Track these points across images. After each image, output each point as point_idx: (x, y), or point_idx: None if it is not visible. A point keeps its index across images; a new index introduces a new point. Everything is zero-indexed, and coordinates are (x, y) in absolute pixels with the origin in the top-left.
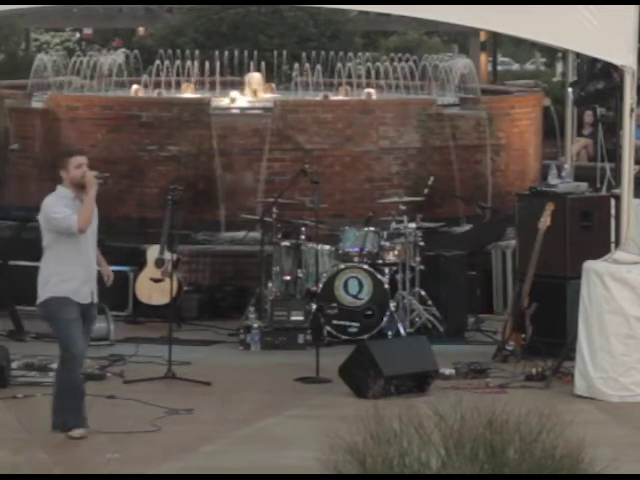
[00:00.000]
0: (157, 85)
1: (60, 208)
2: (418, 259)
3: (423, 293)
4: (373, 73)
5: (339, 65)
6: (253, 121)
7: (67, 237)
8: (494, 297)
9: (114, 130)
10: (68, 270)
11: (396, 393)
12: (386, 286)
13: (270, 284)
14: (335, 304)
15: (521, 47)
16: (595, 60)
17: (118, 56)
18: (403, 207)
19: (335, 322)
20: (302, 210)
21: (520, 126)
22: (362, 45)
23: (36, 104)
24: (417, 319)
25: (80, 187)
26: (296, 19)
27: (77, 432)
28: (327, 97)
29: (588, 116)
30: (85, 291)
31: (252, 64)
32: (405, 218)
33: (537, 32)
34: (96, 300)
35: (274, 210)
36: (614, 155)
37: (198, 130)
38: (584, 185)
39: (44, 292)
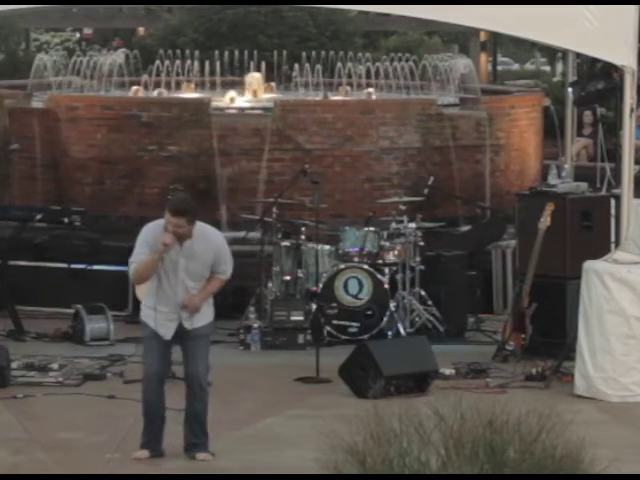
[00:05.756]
0: (157, 85)
1: (141, 245)
2: (418, 259)
3: (423, 293)
4: (373, 73)
5: (339, 65)
6: (253, 121)
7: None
8: (494, 297)
9: (114, 130)
10: (153, 299)
11: (396, 393)
12: (386, 286)
13: (270, 284)
14: (335, 304)
15: (521, 47)
16: (595, 60)
17: (118, 56)
18: (403, 207)
19: (335, 322)
20: (302, 210)
21: (520, 126)
22: (362, 45)
23: (36, 104)
24: (417, 319)
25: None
26: (296, 19)
27: (138, 453)
28: (327, 97)
29: (587, 116)
30: (166, 327)
31: (252, 64)
32: (405, 218)
33: (537, 32)
34: (193, 326)
35: (274, 210)
36: (614, 155)
37: (198, 130)
38: (584, 185)
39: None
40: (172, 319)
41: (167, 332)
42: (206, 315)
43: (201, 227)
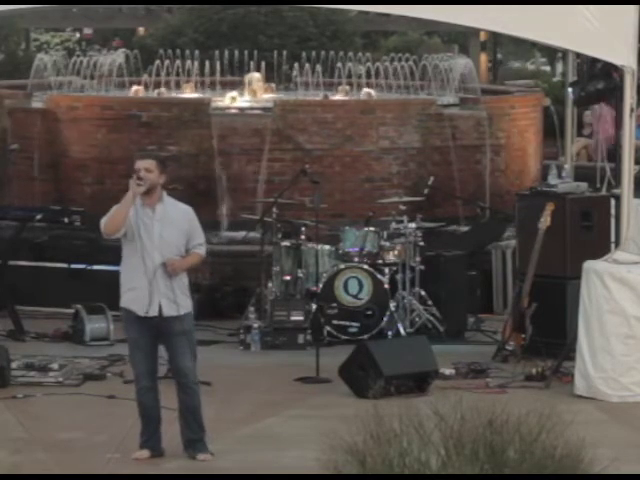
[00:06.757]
0: (157, 85)
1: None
2: (418, 259)
3: (423, 293)
4: (373, 73)
5: (339, 65)
6: (253, 121)
7: (127, 242)
8: (494, 297)
9: (114, 130)
10: (130, 278)
11: (396, 393)
12: (386, 286)
13: (270, 284)
14: (335, 304)
15: (521, 47)
16: (595, 60)
17: (118, 56)
18: (403, 207)
19: (335, 322)
20: (302, 210)
21: (520, 126)
22: (362, 45)
23: (36, 104)
24: (417, 319)
25: (144, 193)
26: (296, 19)
27: (138, 453)
28: (327, 97)
29: (587, 116)
30: (148, 303)
31: (252, 64)
32: (405, 218)
33: (537, 32)
34: (172, 314)
35: (274, 210)
36: (614, 155)
37: (198, 130)
38: (584, 185)
39: (120, 301)
40: (151, 293)
41: (153, 307)
42: (185, 305)
43: (172, 199)
